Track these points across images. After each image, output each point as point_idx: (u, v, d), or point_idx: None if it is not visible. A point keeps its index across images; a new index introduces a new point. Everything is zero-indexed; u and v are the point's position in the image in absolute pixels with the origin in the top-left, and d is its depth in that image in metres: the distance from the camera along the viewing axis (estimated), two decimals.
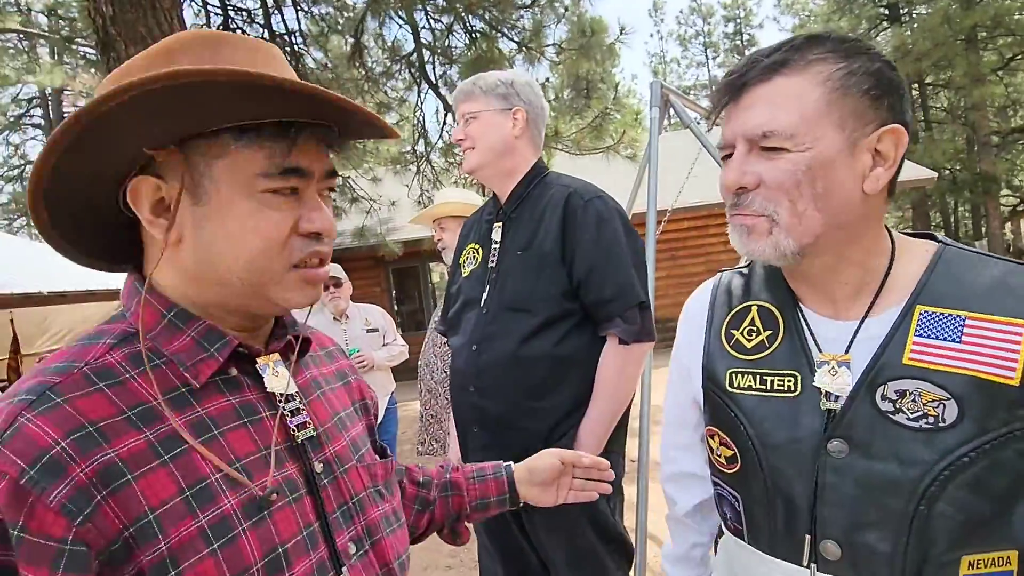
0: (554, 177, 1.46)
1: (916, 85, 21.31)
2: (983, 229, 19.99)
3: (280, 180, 0.59)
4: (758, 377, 0.78)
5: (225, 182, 0.58)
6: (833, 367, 0.72)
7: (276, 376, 0.64)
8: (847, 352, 0.72)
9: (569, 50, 5.69)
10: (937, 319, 0.68)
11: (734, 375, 0.81)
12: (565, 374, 1.34)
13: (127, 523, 0.50)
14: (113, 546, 0.50)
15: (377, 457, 0.76)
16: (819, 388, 0.72)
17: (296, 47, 6.71)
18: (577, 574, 1.38)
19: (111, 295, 11.66)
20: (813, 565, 0.73)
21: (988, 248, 17.80)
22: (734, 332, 0.83)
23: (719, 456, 0.84)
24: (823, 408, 0.72)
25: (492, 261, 1.45)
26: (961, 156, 19.73)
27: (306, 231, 0.61)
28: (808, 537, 0.73)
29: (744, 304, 0.84)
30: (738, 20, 32.49)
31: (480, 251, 1.50)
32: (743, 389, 0.79)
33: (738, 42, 32.65)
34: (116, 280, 11.69)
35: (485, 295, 1.41)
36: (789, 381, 0.76)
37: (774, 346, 0.78)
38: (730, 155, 0.75)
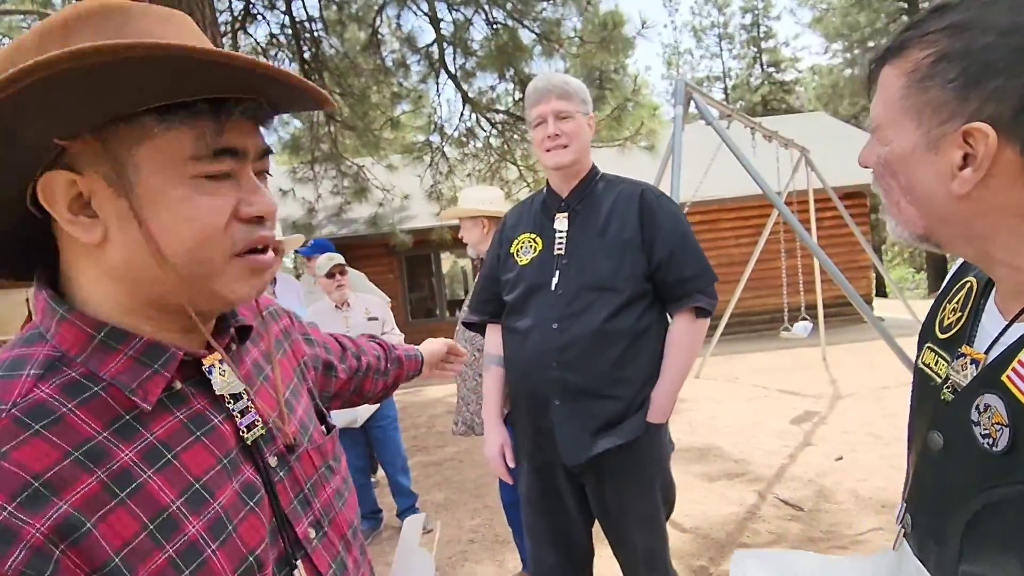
0: (612, 176, 1.65)
1: None
2: None
3: (214, 163, 0.53)
4: (932, 354, 0.77)
5: (151, 170, 0.51)
6: (966, 362, 0.69)
7: (223, 376, 0.60)
8: (986, 351, 0.68)
9: (589, 43, 5.73)
10: None
11: (927, 349, 0.79)
12: (643, 346, 1.52)
13: (92, 571, 0.46)
14: None
15: (323, 428, 0.74)
16: (948, 377, 0.71)
17: (315, 33, 6.81)
18: (643, 533, 1.55)
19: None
20: (904, 544, 0.75)
21: None
22: (946, 306, 0.80)
23: None
24: (941, 398, 0.71)
25: (559, 248, 1.55)
26: None
27: (247, 216, 0.55)
28: (906, 517, 0.76)
29: (965, 278, 0.80)
30: (756, 11, 32.10)
31: (539, 240, 1.59)
32: (925, 365, 0.78)
33: (755, 34, 32.29)
34: None
35: (556, 279, 1.52)
36: (942, 366, 0.73)
37: (954, 330, 0.75)
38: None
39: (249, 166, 0.57)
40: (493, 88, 6.51)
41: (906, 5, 21.05)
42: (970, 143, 0.60)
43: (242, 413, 0.61)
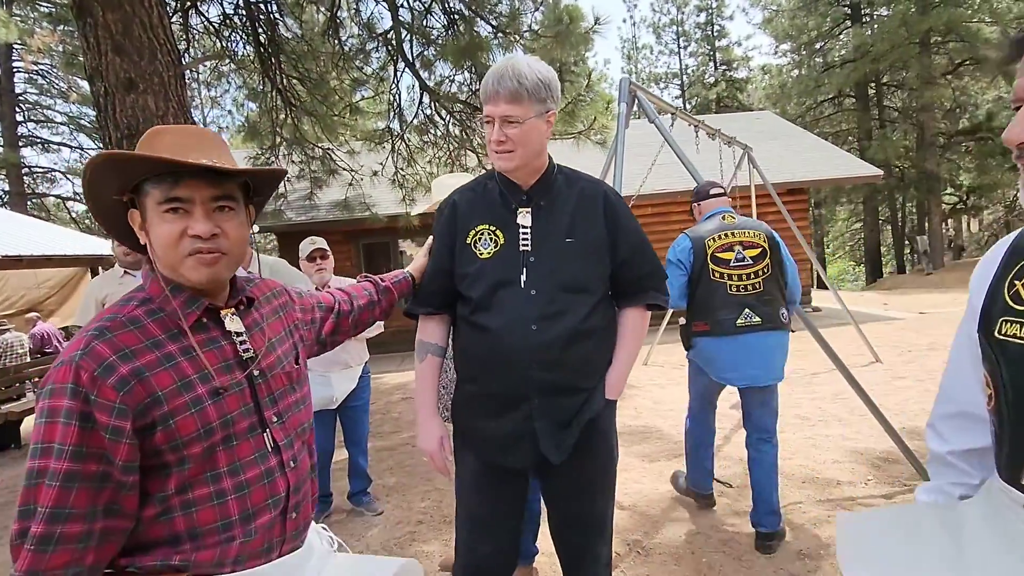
0: (569, 171, 1.66)
1: (873, 84, 22.19)
2: (926, 225, 21.10)
3: (167, 204, 0.98)
4: (1015, 325, 0.81)
5: (149, 209, 0.99)
6: None
7: (232, 321, 1.09)
8: None
9: (545, 36, 5.84)
10: None
11: (1004, 323, 0.83)
12: (606, 340, 1.61)
13: (146, 396, 0.93)
14: (140, 406, 0.92)
15: (295, 364, 1.20)
16: None
17: (271, 15, 6.66)
18: (605, 500, 1.65)
19: (68, 260, 11.30)
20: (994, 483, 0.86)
21: (929, 243, 18.88)
22: (1016, 283, 0.84)
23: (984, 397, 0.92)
24: None
25: (524, 244, 1.53)
26: (910, 154, 20.72)
27: (191, 234, 0.99)
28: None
29: None
30: (710, 10, 32.82)
31: (500, 234, 1.55)
32: (1010, 337, 0.82)
33: (709, 32, 33.04)
34: (69, 247, 11.25)
35: (524, 277, 1.51)
36: None
37: None
38: (1019, 107, 0.77)
39: (199, 206, 0.99)
40: (451, 79, 6.56)
41: (849, 11, 21.98)
42: None
43: (241, 343, 1.09)
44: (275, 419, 1.09)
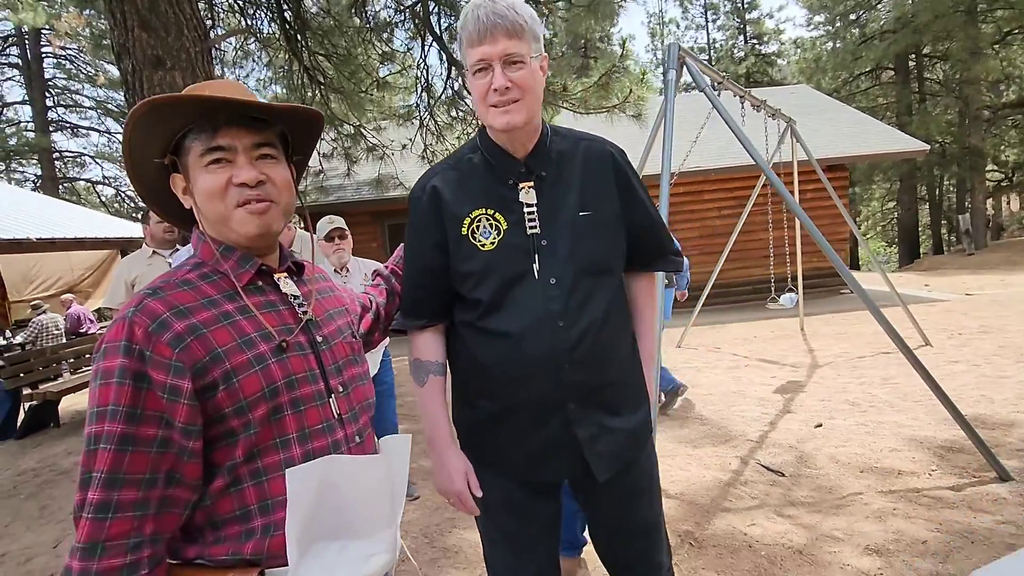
0: (562, 129, 1.41)
1: (913, 56, 21.23)
2: (966, 203, 20.27)
3: (209, 155, 0.93)
4: None
5: (192, 166, 0.95)
6: None
7: (287, 285, 1.04)
8: None
9: (578, 6, 5.59)
10: None
11: None
12: (628, 321, 1.41)
13: (205, 354, 0.87)
14: (198, 364, 0.86)
15: (354, 339, 1.14)
16: None
17: None
18: (657, 505, 1.46)
19: (99, 243, 11.46)
20: None
21: (971, 222, 18.13)
22: None
23: None
24: None
25: (532, 227, 1.28)
26: (952, 129, 19.85)
27: (237, 182, 0.94)
28: None
29: None
30: None
31: (500, 218, 1.29)
32: None
33: (739, 4, 31.95)
34: (100, 230, 11.42)
35: (538, 265, 1.27)
36: None
37: None
38: None
39: (242, 154, 0.95)
40: None
41: None
42: None
43: (300, 305, 1.03)
44: (341, 389, 1.03)
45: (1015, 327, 6.51)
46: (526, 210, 1.28)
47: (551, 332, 1.25)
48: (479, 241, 1.29)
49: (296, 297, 1.04)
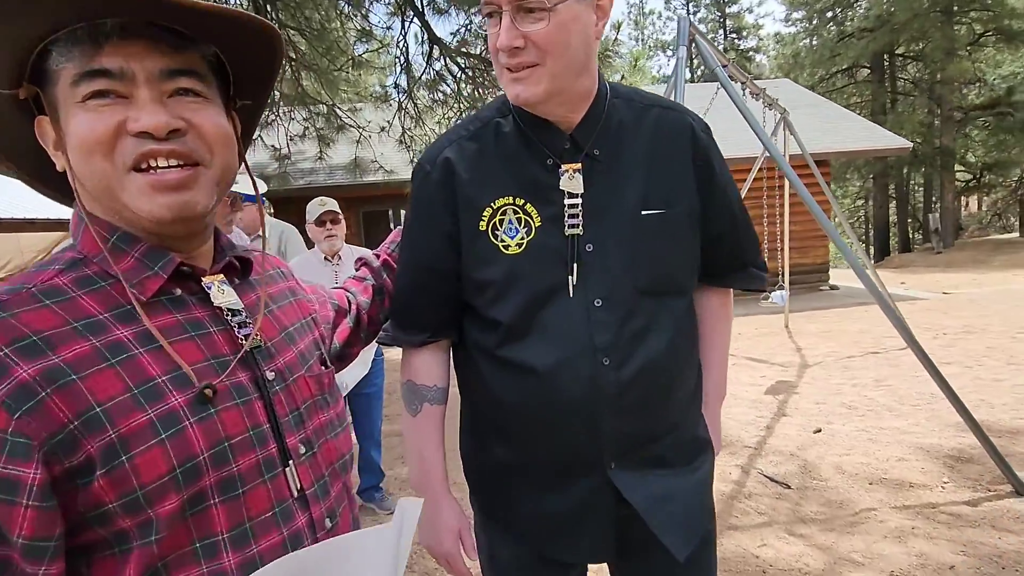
0: (628, 90, 1.04)
1: (887, 56, 21.48)
2: (934, 202, 20.70)
3: (87, 83, 0.58)
4: None
5: (62, 102, 0.59)
6: None
7: (222, 292, 0.69)
8: None
9: None
10: None
11: None
12: (695, 353, 1.11)
13: (72, 416, 0.54)
14: (56, 437, 0.53)
15: (323, 368, 0.80)
16: None
17: None
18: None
19: (52, 225, 10.79)
20: None
21: (940, 222, 18.49)
22: None
23: None
24: None
25: (573, 224, 0.95)
26: (923, 130, 20.17)
27: (133, 131, 0.59)
28: None
29: None
30: None
31: (533, 210, 0.96)
32: None
33: None
34: (52, 211, 10.78)
35: (575, 278, 0.94)
36: None
37: None
38: None
39: (144, 86, 0.60)
40: (467, 28, 5.99)
41: None
42: None
43: (240, 326, 0.69)
44: (303, 450, 0.70)
45: (997, 327, 6.49)
46: (567, 201, 0.95)
47: (592, 372, 0.94)
48: (502, 241, 0.96)
49: (236, 312, 0.69)
